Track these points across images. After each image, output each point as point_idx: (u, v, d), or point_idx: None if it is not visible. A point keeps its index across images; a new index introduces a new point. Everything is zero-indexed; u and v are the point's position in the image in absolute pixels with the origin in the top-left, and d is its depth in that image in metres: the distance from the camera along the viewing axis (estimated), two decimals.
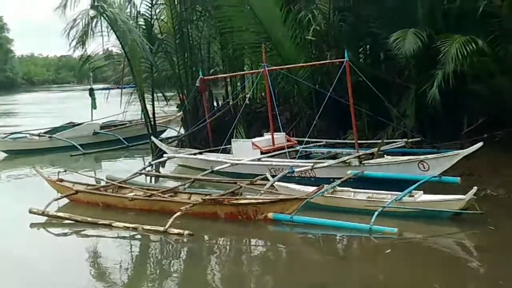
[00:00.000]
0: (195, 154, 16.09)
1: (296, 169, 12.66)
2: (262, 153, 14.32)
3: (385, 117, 14.64)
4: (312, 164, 12.85)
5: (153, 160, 17.10)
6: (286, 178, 12.25)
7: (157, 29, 20.92)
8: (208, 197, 11.15)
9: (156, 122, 20.38)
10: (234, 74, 18.81)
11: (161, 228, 9.98)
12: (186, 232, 9.81)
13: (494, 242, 9.23)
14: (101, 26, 18.26)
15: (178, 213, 10.26)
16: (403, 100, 15.04)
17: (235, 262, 9.33)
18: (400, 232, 9.31)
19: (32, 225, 11.22)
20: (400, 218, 9.81)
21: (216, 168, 13.64)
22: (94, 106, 23.87)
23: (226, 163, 13.86)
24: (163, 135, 21.72)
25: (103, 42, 19.24)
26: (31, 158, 20.15)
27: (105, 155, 20.63)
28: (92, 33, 18.36)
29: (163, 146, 17.79)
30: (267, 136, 15.19)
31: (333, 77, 14.26)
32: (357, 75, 13.77)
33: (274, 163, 13.65)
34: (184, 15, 19.53)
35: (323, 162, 12.96)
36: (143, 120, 20.35)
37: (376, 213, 9.62)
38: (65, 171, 13.94)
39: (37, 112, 40.81)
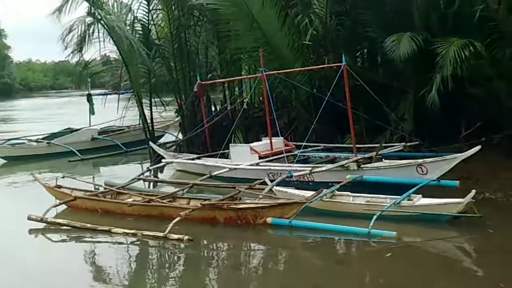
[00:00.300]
0: (193, 159, 16.11)
1: (295, 174, 12.67)
2: (260, 157, 14.34)
3: (383, 121, 14.65)
4: (310, 168, 12.86)
5: (151, 166, 17.09)
6: (284, 183, 12.26)
7: (155, 35, 20.91)
8: (207, 202, 11.13)
9: (154, 127, 20.39)
10: (232, 79, 18.81)
11: (161, 234, 9.98)
12: (186, 237, 9.80)
13: (493, 245, 9.23)
14: (98, 32, 18.29)
15: (178, 219, 10.25)
16: (401, 104, 15.06)
17: (235, 267, 9.30)
18: (398, 235, 9.32)
19: (31, 231, 11.20)
20: (399, 222, 9.81)
21: (214, 173, 13.66)
22: (92, 111, 23.90)
23: (225, 168, 13.88)
24: (161, 140, 21.73)
25: (100, 48, 19.27)
26: (29, 164, 20.13)
27: (103, 161, 20.64)
28: (89, 39, 18.41)
29: (161, 152, 17.79)
30: (265, 140, 15.20)
31: (330, 82, 14.28)
32: (354, 79, 13.80)
33: (272, 167, 13.65)
34: (181, 20, 19.54)
35: (321, 167, 12.96)
36: (141, 125, 20.36)
37: (375, 217, 9.63)
38: (63, 177, 13.90)
39: (35, 118, 40.79)
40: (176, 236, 9.85)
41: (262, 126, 16.47)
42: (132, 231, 10.37)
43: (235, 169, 13.84)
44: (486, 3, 13.15)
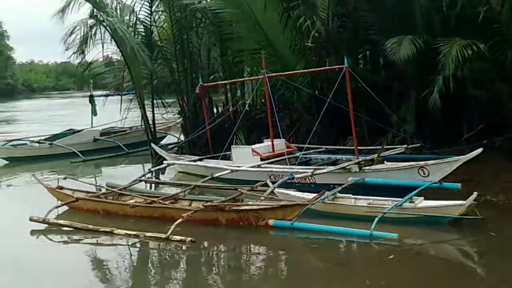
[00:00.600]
0: (195, 160, 16.11)
1: (296, 176, 12.67)
2: (262, 159, 14.33)
3: (385, 123, 14.64)
4: (312, 170, 12.86)
5: (153, 167, 17.09)
6: (286, 185, 12.27)
7: (157, 36, 20.93)
8: (209, 203, 11.15)
9: (156, 128, 20.40)
10: (234, 80, 18.83)
11: (163, 235, 9.98)
12: (188, 239, 9.80)
13: (494, 247, 9.25)
14: (101, 34, 18.30)
15: (180, 220, 10.26)
16: (403, 106, 15.06)
17: (237, 268, 9.33)
18: (400, 238, 9.32)
19: (33, 232, 11.22)
20: (401, 224, 9.80)
21: (216, 175, 13.65)
22: (94, 112, 23.88)
23: (226, 169, 13.88)
24: (163, 142, 21.74)
25: (103, 50, 19.31)
26: (31, 165, 20.17)
27: (105, 162, 20.65)
28: (91, 41, 18.43)
29: (163, 153, 17.79)
30: (267, 142, 15.20)
31: (332, 84, 14.26)
32: (356, 81, 13.78)
33: (274, 169, 13.65)
34: (183, 22, 19.55)
35: (323, 169, 12.96)
36: (143, 126, 20.37)
37: (377, 219, 9.63)
38: (65, 178, 13.91)
39: (37, 119, 40.84)
40: (178, 238, 9.85)
41: (264, 128, 16.48)
42: (134, 233, 10.37)
43: (237, 170, 13.84)
44: (489, 4, 13.13)
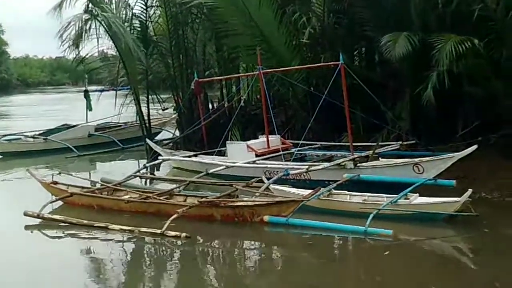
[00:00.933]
0: (190, 156, 16.09)
1: (291, 172, 12.66)
2: (257, 155, 14.33)
3: (380, 119, 14.67)
4: (307, 166, 12.86)
5: (148, 163, 17.04)
6: (281, 181, 12.26)
7: (152, 31, 20.89)
8: (204, 199, 11.14)
9: (151, 124, 20.37)
10: (229, 76, 18.82)
11: (158, 231, 9.97)
12: (183, 234, 9.80)
13: (488, 244, 9.28)
14: (96, 28, 18.27)
15: (175, 216, 10.26)
16: (398, 102, 15.08)
17: (231, 264, 9.33)
18: (395, 234, 9.35)
19: (27, 227, 11.20)
20: (396, 221, 9.83)
21: (211, 171, 13.66)
22: (89, 107, 23.82)
23: (221, 165, 13.87)
24: (158, 137, 21.72)
25: (98, 44, 19.27)
26: (26, 160, 20.08)
27: (100, 157, 20.61)
28: (86, 36, 18.38)
29: (158, 148, 17.77)
30: (262, 138, 15.19)
31: (328, 80, 14.27)
32: (352, 78, 13.78)
33: (269, 165, 13.63)
34: (179, 17, 19.52)
35: (318, 165, 12.95)
36: (138, 122, 20.34)
37: (372, 215, 9.64)
38: (59, 173, 13.89)
39: (32, 113, 40.74)
40: (173, 233, 9.85)
41: (259, 124, 16.47)
42: (129, 228, 10.36)
43: (232, 166, 13.84)
44: (484, 2, 13.15)
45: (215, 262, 9.48)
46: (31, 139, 22.35)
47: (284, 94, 17.65)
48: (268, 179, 12.24)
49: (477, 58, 13.19)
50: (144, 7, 19.54)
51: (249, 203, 10.83)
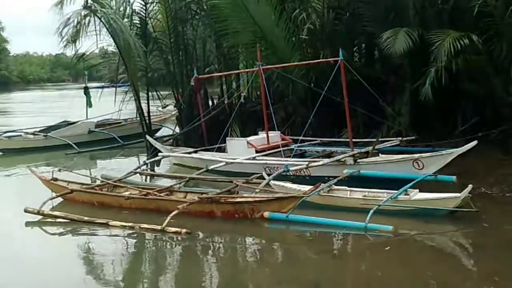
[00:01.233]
0: (190, 153, 16.09)
1: (291, 168, 12.68)
2: (257, 151, 14.33)
3: (379, 115, 14.69)
4: (307, 162, 12.88)
5: (148, 159, 17.06)
6: (281, 177, 12.28)
7: (152, 28, 20.87)
8: (204, 195, 11.14)
9: (151, 120, 20.37)
10: (229, 73, 18.80)
11: (158, 227, 9.99)
12: (184, 230, 9.81)
13: (488, 239, 9.28)
14: (95, 25, 18.24)
15: (176, 212, 10.27)
16: (398, 98, 15.10)
17: (232, 260, 9.36)
18: (395, 230, 9.37)
19: (28, 224, 11.21)
20: (396, 216, 9.85)
21: (211, 167, 13.68)
22: (89, 104, 23.82)
23: (221, 161, 13.90)
24: (158, 134, 21.72)
25: (97, 41, 19.20)
26: (26, 156, 20.10)
27: (100, 154, 20.63)
28: (85, 32, 18.33)
29: (158, 145, 17.77)
30: (262, 134, 15.20)
31: (327, 76, 14.25)
32: (351, 74, 13.80)
33: (269, 161, 13.66)
34: (179, 14, 19.50)
35: (318, 161, 12.98)
36: (138, 118, 20.34)
37: (372, 211, 9.66)
38: (59, 170, 13.88)
39: (32, 110, 40.73)
40: (174, 229, 9.87)
41: (259, 120, 16.46)
42: (130, 224, 10.37)
43: (232, 163, 13.85)
44: None
45: (215, 258, 9.48)
46: (31, 136, 22.35)
47: (284, 90, 17.64)
48: (268, 175, 12.24)
49: (477, 55, 13.20)
50: (144, 3, 19.52)
51: (249, 199, 10.84)
